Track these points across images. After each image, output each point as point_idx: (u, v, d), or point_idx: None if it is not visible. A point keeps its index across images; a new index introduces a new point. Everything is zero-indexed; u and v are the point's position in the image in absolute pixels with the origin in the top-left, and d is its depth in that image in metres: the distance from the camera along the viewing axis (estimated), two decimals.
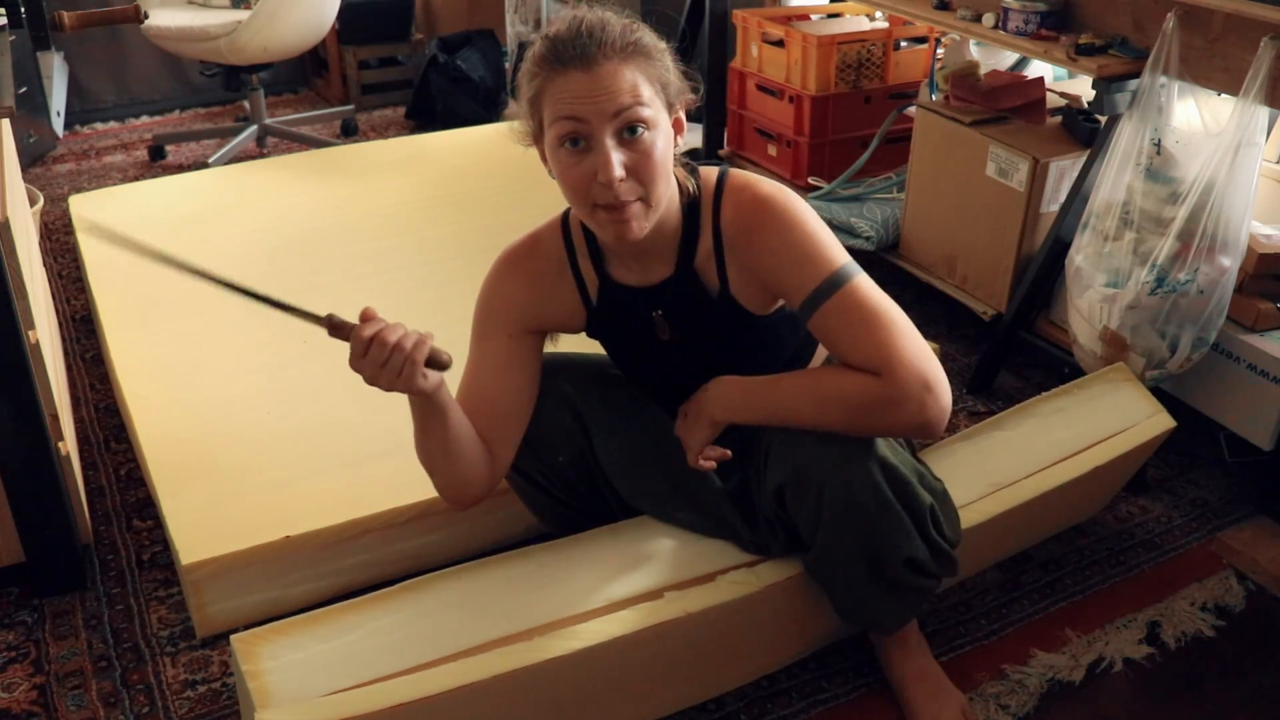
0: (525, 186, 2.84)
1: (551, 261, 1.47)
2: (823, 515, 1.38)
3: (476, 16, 4.44)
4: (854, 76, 2.94)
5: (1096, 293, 2.02)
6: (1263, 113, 1.86)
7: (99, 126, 4.17)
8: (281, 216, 2.86)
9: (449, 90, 4.01)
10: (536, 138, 1.35)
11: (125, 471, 2.11)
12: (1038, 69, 2.69)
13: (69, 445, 1.80)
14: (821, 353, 1.57)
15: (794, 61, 2.94)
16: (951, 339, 2.60)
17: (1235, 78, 1.87)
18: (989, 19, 2.32)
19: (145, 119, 4.26)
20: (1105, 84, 2.09)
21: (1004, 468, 1.71)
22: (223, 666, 1.66)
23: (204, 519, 1.72)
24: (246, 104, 3.89)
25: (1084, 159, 2.21)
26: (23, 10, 3.53)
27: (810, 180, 2.96)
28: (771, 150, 3.12)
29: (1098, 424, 1.81)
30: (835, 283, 1.33)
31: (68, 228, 3.03)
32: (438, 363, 1.26)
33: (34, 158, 3.74)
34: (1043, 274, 2.27)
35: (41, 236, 3.03)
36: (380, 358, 1.21)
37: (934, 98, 2.60)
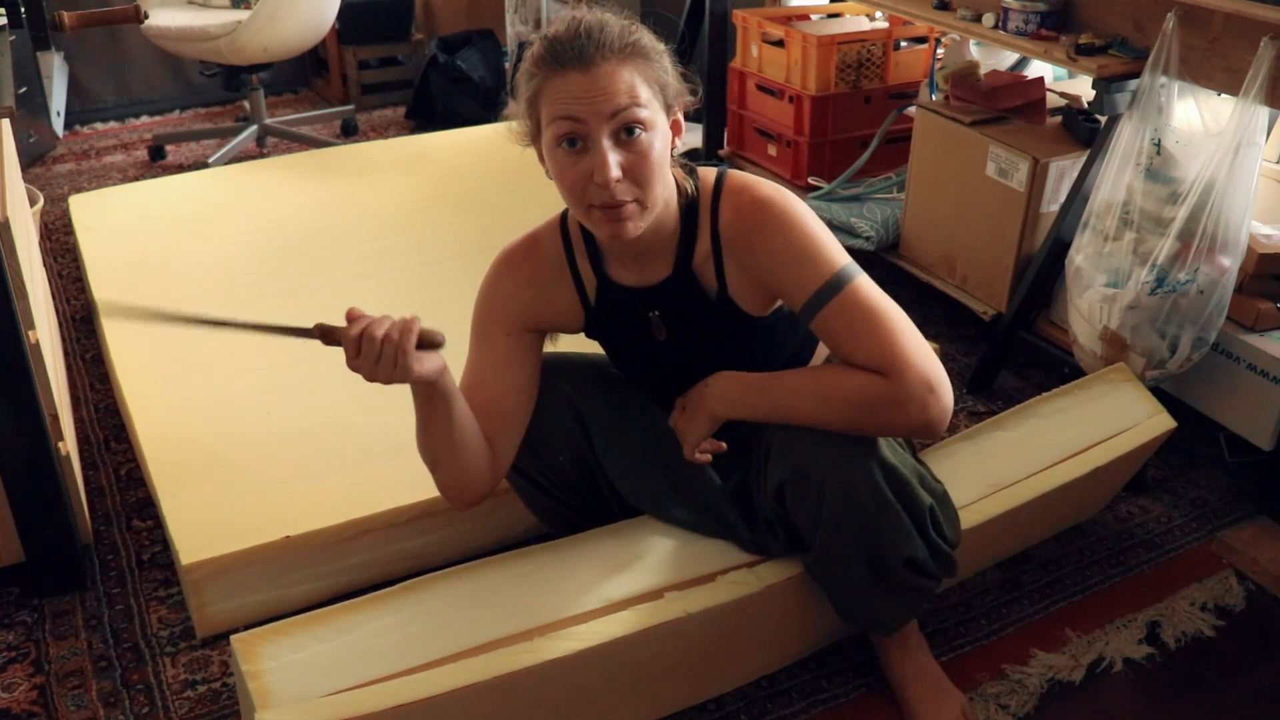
0: (525, 186, 2.83)
1: (550, 261, 1.47)
2: (823, 515, 1.38)
3: (476, 16, 4.44)
4: (854, 76, 2.94)
5: (1096, 293, 2.02)
6: (1263, 113, 1.86)
7: (99, 126, 4.17)
8: (281, 216, 2.86)
9: (449, 90, 4.01)
10: (534, 138, 1.35)
11: (125, 471, 2.11)
12: (1038, 69, 2.69)
13: (69, 445, 1.81)
14: (823, 351, 1.57)
15: (794, 61, 2.94)
16: (951, 339, 2.59)
17: (1235, 78, 1.87)
18: (989, 19, 2.32)
19: (145, 119, 4.26)
20: (1105, 84, 2.09)
21: (1004, 468, 1.71)
22: (223, 666, 1.66)
23: (204, 519, 1.72)
24: (246, 104, 3.89)
25: (1084, 159, 2.21)
26: (23, 10, 3.52)
27: (810, 180, 2.96)
28: (771, 150, 3.12)
29: (1098, 424, 1.81)
30: (837, 284, 1.34)
31: (68, 228, 3.03)
32: (430, 343, 1.24)
33: (34, 158, 3.75)
34: (1043, 274, 2.27)
35: (41, 236, 3.03)
36: (372, 353, 1.21)
37: (934, 98, 2.60)
